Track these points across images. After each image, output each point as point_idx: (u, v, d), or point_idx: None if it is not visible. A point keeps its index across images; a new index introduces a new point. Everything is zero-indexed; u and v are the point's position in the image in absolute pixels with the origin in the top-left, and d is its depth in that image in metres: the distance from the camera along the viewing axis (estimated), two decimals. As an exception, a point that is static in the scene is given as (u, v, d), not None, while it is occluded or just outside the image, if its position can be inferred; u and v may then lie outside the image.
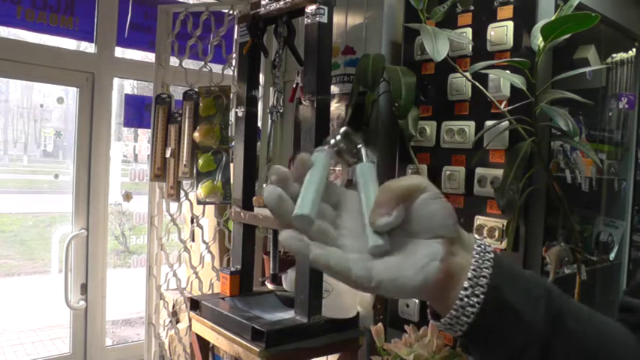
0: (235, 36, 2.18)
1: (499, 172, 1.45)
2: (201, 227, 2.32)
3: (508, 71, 1.40)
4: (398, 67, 1.60)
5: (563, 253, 1.49)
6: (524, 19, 1.49)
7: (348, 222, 0.45)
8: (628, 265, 2.10)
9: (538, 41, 1.34)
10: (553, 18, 1.32)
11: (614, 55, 2.10)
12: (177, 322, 2.44)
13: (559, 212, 1.50)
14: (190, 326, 1.85)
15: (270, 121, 1.94)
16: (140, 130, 4.83)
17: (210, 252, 2.31)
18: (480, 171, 1.56)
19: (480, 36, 1.57)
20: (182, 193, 2.28)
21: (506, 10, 1.52)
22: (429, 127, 1.70)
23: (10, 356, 3.42)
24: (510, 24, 1.49)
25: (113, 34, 2.55)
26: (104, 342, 2.64)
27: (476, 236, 0.46)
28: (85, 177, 2.50)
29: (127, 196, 2.78)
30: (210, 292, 2.23)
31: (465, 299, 0.43)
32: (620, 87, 2.11)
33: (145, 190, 2.41)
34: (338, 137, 0.47)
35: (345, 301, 1.61)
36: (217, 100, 2.20)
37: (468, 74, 1.49)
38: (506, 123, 1.43)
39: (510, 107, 1.45)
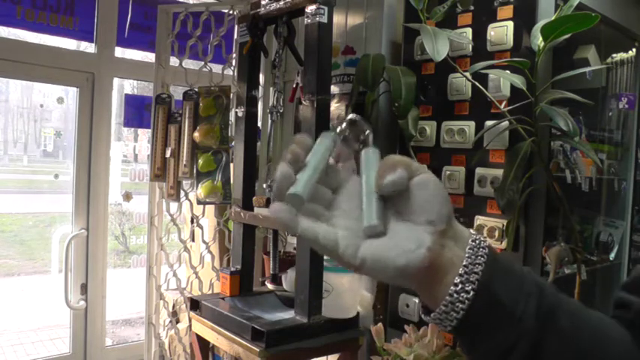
0: (235, 36, 2.18)
1: (499, 172, 1.45)
2: (201, 227, 2.32)
3: (508, 71, 1.40)
4: (398, 67, 1.60)
5: (563, 253, 1.49)
6: (524, 19, 1.49)
7: (344, 204, 0.45)
8: (628, 265, 2.10)
9: (538, 41, 1.34)
10: (553, 18, 1.32)
11: (614, 55, 2.10)
12: (177, 322, 2.44)
13: (559, 212, 1.50)
14: (190, 326, 1.85)
15: (270, 121, 1.93)
16: (140, 130, 4.83)
17: (210, 252, 2.31)
18: (479, 171, 1.56)
19: (479, 36, 1.57)
20: (182, 193, 2.28)
21: (506, 10, 1.52)
22: (429, 127, 1.70)
23: (10, 356, 3.42)
24: (510, 24, 1.49)
25: (113, 34, 2.55)
26: (104, 342, 2.64)
27: (472, 231, 0.46)
28: (85, 177, 2.50)
29: (127, 196, 2.78)
30: (210, 292, 2.23)
31: (455, 295, 0.43)
32: (620, 87, 2.11)
33: (145, 190, 2.41)
34: (344, 125, 0.48)
35: (345, 301, 1.61)
36: (217, 100, 2.20)
37: (468, 74, 1.49)
38: (506, 123, 1.43)
39: (510, 107, 1.45)
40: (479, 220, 1.57)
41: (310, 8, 1.49)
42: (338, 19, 1.94)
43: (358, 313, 1.67)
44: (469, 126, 1.59)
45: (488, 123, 1.51)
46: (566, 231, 1.54)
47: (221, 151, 2.17)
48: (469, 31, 1.61)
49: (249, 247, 1.81)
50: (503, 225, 1.49)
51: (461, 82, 1.60)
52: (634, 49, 2.10)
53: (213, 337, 1.63)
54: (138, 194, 2.81)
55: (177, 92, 2.36)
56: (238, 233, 1.80)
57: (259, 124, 2.15)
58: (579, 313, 0.47)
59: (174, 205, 2.31)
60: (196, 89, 2.22)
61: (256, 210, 1.75)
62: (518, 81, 1.36)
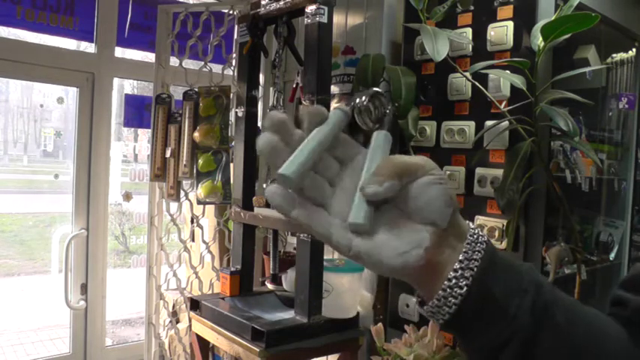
0: (235, 36, 2.18)
1: (499, 172, 1.45)
2: (201, 227, 2.32)
3: (508, 71, 1.40)
4: (398, 67, 1.61)
5: (563, 253, 1.49)
6: (524, 19, 1.49)
7: (347, 182, 0.44)
8: (628, 265, 2.10)
9: (538, 41, 1.34)
10: (553, 18, 1.32)
11: (614, 55, 2.10)
12: (177, 322, 2.44)
13: (559, 212, 1.50)
14: (190, 326, 1.85)
15: (270, 121, 1.93)
16: (140, 130, 4.83)
17: (210, 252, 2.31)
18: (479, 171, 1.56)
19: (480, 36, 1.57)
20: (182, 193, 2.28)
21: (506, 10, 1.52)
22: (429, 127, 1.70)
23: (10, 356, 3.42)
24: (510, 24, 1.49)
25: (113, 34, 2.55)
26: (104, 342, 2.64)
27: (471, 225, 0.45)
28: (85, 177, 2.50)
29: (127, 196, 2.78)
30: (210, 292, 2.23)
31: (449, 290, 0.43)
32: (620, 87, 2.11)
33: (145, 190, 2.41)
34: (365, 98, 0.45)
35: (345, 301, 1.61)
36: (217, 100, 2.20)
37: (468, 74, 1.49)
38: (506, 123, 1.43)
39: (510, 107, 1.45)
40: (479, 220, 1.57)
41: (310, 8, 1.49)
42: (338, 19, 1.94)
43: (358, 313, 1.67)
44: (469, 126, 1.59)
45: (488, 123, 1.51)
46: (566, 231, 1.54)
47: (221, 151, 2.17)
48: (469, 31, 1.61)
49: (249, 247, 1.81)
50: (503, 225, 1.50)
51: (461, 82, 1.60)
52: (634, 49, 2.10)
53: (213, 337, 1.63)
54: (138, 194, 2.81)
55: (177, 92, 2.36)
56: (238, 233, 1.80)
57: (259, 124, 2.15)
58: (575, 309, 0.47)
59: (174, 205, 2.31)
60: (196, 89, 2.22)
61: (256, 210, 1.75)
62: (518, 81, 1.36)
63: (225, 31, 2.27)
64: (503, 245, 1.48)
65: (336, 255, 1.93)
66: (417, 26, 1.48)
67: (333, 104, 1.89)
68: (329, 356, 1.72)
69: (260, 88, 2.16)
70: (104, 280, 2.58)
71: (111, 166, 2.65)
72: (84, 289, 2.52)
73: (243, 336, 1.49)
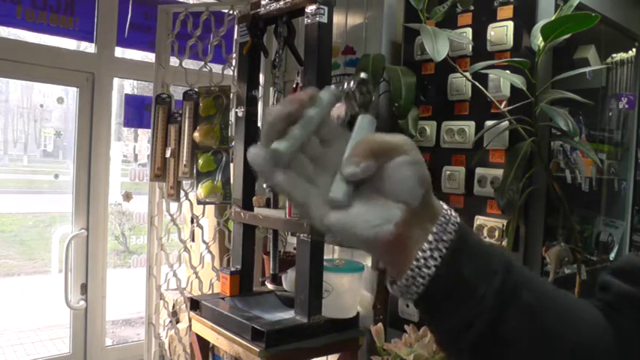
0: (235, 36, 2.18)
1: (499, 172, 1.45)
2: (201, 227, 2.32)
3: (508, 71, 1.40)
4: (398, 67, 1.61)
5: (563, 253, 1.49)
6: (524, 19, 1.49)
7: (329, 161, 0.45)
8: (628, 265, 2.09)
9: (538, 41, 1.34)
10: (553, 18, 1.32)
11: (614, 55, 2.10)
12: (177, 322, 2.44)
13: (559, 212, 1.50)
14: (190, 326, 1.85)
15: (270, 121, 1.93)
16: (140, 130, 4.83)
17: (210, 252, 2.31)
18: (479, 171, 1.56)
19: (479, 36, 1.57)
20: (182, 193, 2.28)
21: (506, 10, 1.52)
22: (429, 127, 1.70)
23: (10, 356, 3.42)
24: (510, 24, 1.49)
25: (113, 34, 2.55)
26: (104, 342, 2.64)
27: (445, 207, 0.46)
28: (85, 177, 2.50)
29: (127, 196, 2.78)
30: (210, 292, 2.23)
31: (417, 270, 0.43)
32: (620, 87, 2.11)
33: (145, 190, 2.41)
34: (353, 83, 0.47)
35: (345, 301, 1.61)
36: (217, 100, 2.20)
37: (468, 74, 1.49)
38: (506, 123, 1.43)
39: (510, 107, 1.45)
40: (479, 220, 1.57)
41: (310, 8, 1.49)
42: (338, 19, 1.94)
43: (358, 313, 1.67)
44: (469, 126, 1.59)
45: (488, 123, 1.51)
46: (566, 231, 1.54)
47: (221, 151, 2.17)
48: (469, 31, 1.61)
49: (249, 247, 1.81)
50: (503, 225, 1.49)
51: (461, 82, 1.60)
52: (634, 49, 2.10)
53: (213, 337, 1.63)
54: (138, 194, 2.81)
55: (177, 92, 2.36)
56: (238, 233, 1.80)
57: (259, 124, 2.15)
58: (549, 292, 0.47)
59: (174, 205, 2.31)
60: (196, 89, 2.22)
61: (256, 210, 1.75)
62: (518, 81, 1.36)
63: (225, 31, 2.27)
64: (503, 245, 1.48)
65: (336, 255, 1.93)
66: (417, 26, 1.48)
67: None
68: (329, 356, 1.72)
69: (260, 88, 2.16)
70: (104, 280, 2.58)
71: (111, 166, 2.65)
72: (84, 289, 2.52)
73: (243, 336, 1.49)
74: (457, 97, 1.62)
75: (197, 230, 2.39)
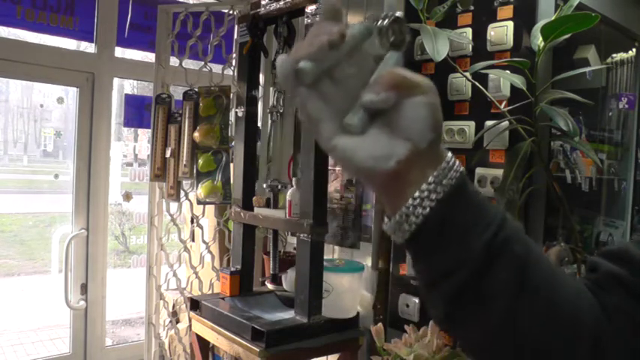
0: (235, 36, 2.18)
1: (499, 172, 1.45)
2: (201, 227, 2.32)
3: (508, 71, 1.40)
4: (398, 67, 1.60)
5: (563, 253, 1.49)
6: (524, 19, 1.48)
7: (352, 88, 0.45)
8: (628, 265, 2.09)
9: (538, 41, 1.34)
10: (553, 18, 1.32)
11: (614, 55, 2.10)
12: (177, 322, 2.44)
13: (559, 212, 1.50)
14: (190, 326, 1.85)
15: (270, 121, 1.94)
16: (140, 130, 4.83)
17: (210, 252, 2.31)
18: (480, 171, 1.56)
19: (479, 36, 1.57)
20: (182, 193, 2.28)
21: (506, 10, 1.52)
22: (429, 127, 1.69)
23: (10, 356, 3.42)
24: (510, 24, 1.49)
25: (113, 34, 2.55)
26: (104, 342, 2.64)
27: (450, 154, 0.46)
28: (85, 177, 2.50)
29: (127, 196, 2.78)
30: (210, 292, 2.23)
31: (411, 208, 0.44)
32: (620, 87, 2.11)
33: (145, 190, 2.42)
34: (387, 21, 0.47)
35: (345, 301, 1.61)
36: (217, 100, 2.20)
37: (468, 74, 1.49)
38: (506, 123, 1.43)
39: (510, 107, 1.45)
40: (479, 220, 1.56)
41: (310, 8, 1.49)
42: (338, 19, 1.93)
43: (358, 313, 1.67)
44: (469, 126, 1.59)
45: (488, 123, 1.51)
46: (566, 231, 1.54)
47: (221, 151, 2.17)
48: (469, 31, 1.61)
49: (249, 247, 1.81)
50: (503, 225, 1.49)
51: (461, 82, 1.60)
52: (634, 49, 2.10)
53: (213, 337, 1.63)
54: (138, 194, 2.81)
55: (177, 92, 2.36)
56: (238, 233, 1.80)
57: (259, 124, 2.15)
58: (540, 253, 0.47)
59: (174, 205, 2.31)
60: (196, 89, 2.22)
61: (256, 210, 1.75)
62: (518, 81, 1.36)
63: (225, 31, 2.27)
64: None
65: (336, 255, 1.93)
66: (417, 26, 1.48)
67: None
68: (329, 356, 1.72)
69: (260, 88, 2.16)
70: (104, 280, 2.58)
71: (111, 166, 2.65)
72: (84, 289, 2.52)
73: (243, 336, 1.49)
74: (457, 97, 1.62)
75: (197, 230, 2.39)
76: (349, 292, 1.62)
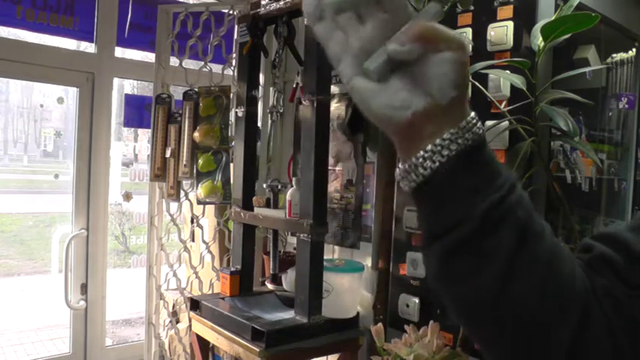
0: (235, 36, 2.18)
1: (499, 172, 1.45)
2: (201, 227, 2.32)
3: (508, 71, 1.40)
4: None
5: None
6: (524, 19, 1.49)
7: (382, 26, 0.44)
8: (628, 265, 2.09)
9: (538, 41, 1.34)
10: (553, 18, 1.32)
11: (614, 55, 2.09)
12: (177, 322, 2.44)
13: (559, 212, 1.50)
14: (190, 326, 1.85)
15: (270, 121, 1.94)
16: (140, 130, 4.83)
17: (210, 252, 2.31)
18: (480, 171, 1.56)
19: (480, 36, 1.57)
20: (182, 193, 2.28)
21: (506, 10, 1.52)
22: (429, 127, 1.69)
23: (10, 356, 3.42)
24: (510, 24, 1.49)
25: (113, 34, 2.55)
26: (104, 342, 2.64)
27: (473, 115, 0.46)
28: (85, 177, 2.50)
29: (127, 196, 2.78)
30: (210, 292, 2.23)
31: (421, 160, 0.44)
32: (620, 87, 2.11)
33: (145, 190, 2.41)
34: None
35: (345, 301, 1.61)
36: (217, 100, 2.20)
37: (468, 74, 1.49)
38: (506, 123, 1.43)
39: (510, 107, 1.45)
40: (479, 220, 1.56)
41: (310, 8, 1.49)
42: (338, 19, 1.93)
43: (358, 313, 1.67)
44: (469, 126, 1.59)
45: (489, 123, 1.51)
46: (566, 231, 1.54)
47: (221, 151, 2.17)
48: (469, 31, 1.61)
49: (249, 247, 1.82)
50: (503, 225, 1.49)
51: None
52: (634, 49, 2.10)
53: (213, 337, 1.63)
54: (138, 194, 2.81)
55: (177, 92, 2.36)
56: (238, 233, 1.80)
57: (259, 124, 2.15)
58: (542, 225, 0.47)
59: (174, 205, 2.31)
60: (196, 89, 2.22)
61: (256, 210, 1.75)
62: (518, 81, 1.36)
63: (225, 31, 2.27)
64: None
65: (336, 255, 1.93)
66: (417, 26, 1.47)
67: (334, 104, 1.89)
68: (329, 356, 1.72)
69: (260, 88, 2.16)
70: (104, 280, 2.58)
71: (111, 166, 2.65)
72: (84, 289, 2.52)
73: (243, 336, 1.49)
74: (457, 97, 1.62)
75: (197, 230, 2.39)
76: (349, 292, 1.62)
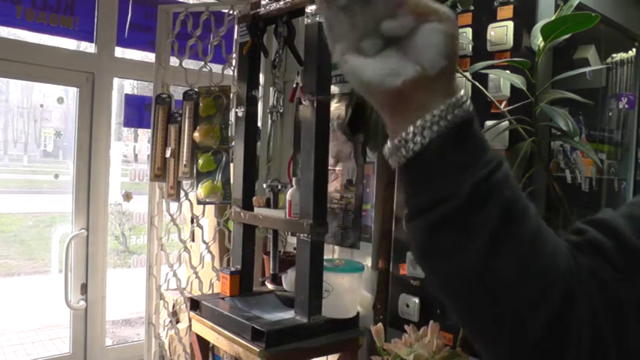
0: (235, 36, 2.18)
1: (499, 172, 1.45)
2: (201, 227, 2.32)
3: (508, 71, 1.40)
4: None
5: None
6: (524, 19, 1.49)
7: (380, 9, 0.45)
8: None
9: (538, 41, 1.34)
10: (553, 18, 1.32)
11: (614, 55, 2.09)
12: (177, 322, 2.44)
13: (559, 212, 1.50)
14: (190, 326, 1.85)
15: (270, 121, 1.94)
16: (140, 130, 4.83)
17: (210, 252, 2.31)
18: (480, 171, 1.56)
19: (480, 36, 1.57)
20: (182, 193, 2.28)
21: (506, 10, 1.52)
22: (429, 127, 1.69)
23: (10, 356, 3.42)
24: (510, 24, 1.49)
25: (113, 34, 2.55)
26: (104, 342, 2.64)
27: (463, 92, 0.46)
28: (85, 177, 2.50)
29: (127, 196, 2.78)
30: (210, 292, 2.23)
31: (411, 135, 0.44)
32: (620, 87, 2.11)
33: (145, 190, 2.41)
34: None
35: (345, 301, 1.61)
36: (217, 100, 2.20)
37: (468, 74, 1.49)
38: (506, 123, 1.43)
39: (510, 107, 1.45)
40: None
41: (310, 8, 1.49)
42: (338, 19, 1.93)
43: (358, 313, 1.67)
44: (469, 126, 1.59)
45: (489, 123, 1.51)
46: (566, 231, 1.53)
47: (221, 151, 2.17)
48: (469, 31, 1.61)
49: (249, 247, 1.82)
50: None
51: (461, 82, 1.60)
52: (634, 49, 2.10)
53: (213, 337, 1.63)
54: (138, 194, 2.81)
55: (177, 92, 2.36)
56: (238, 233, 1.80)
57: (259, 124, 2.15)
58: (528, 205, 0.47)
59: (174, 205, 2.31)
60: (196, 89, 2.22)
61: (256, 210, 1.75)
62: (518, 81, 1.36)
63: (225, 31, 2.27)
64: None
65: (336, 255, 1.93)
66: (417, 26, 1.47)
67: (334, 104, 1.89)
68: (329, 356, 1.73)
69: (260, 88, 2.16)
70: (104, 280, 2.57)
71: (111, 166, 2.65)
72: (84, 289, 2.52)
73: (243, 336, 1.49)
74: (457, 97, 1.62)
75: (197, 230, 2.39)
76: (349, 292, 1.62)
